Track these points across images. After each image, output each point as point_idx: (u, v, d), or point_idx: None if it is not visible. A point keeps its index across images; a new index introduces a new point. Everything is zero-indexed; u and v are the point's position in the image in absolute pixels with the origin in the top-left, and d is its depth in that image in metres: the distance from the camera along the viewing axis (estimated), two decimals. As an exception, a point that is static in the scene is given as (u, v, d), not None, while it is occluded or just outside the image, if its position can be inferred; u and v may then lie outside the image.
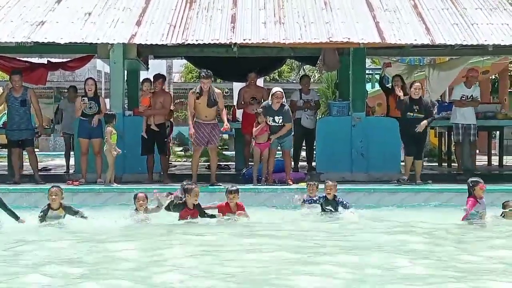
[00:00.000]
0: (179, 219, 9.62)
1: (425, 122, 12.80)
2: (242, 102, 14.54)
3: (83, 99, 12.90)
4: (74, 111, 14.13)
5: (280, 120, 12.66)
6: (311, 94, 15.13)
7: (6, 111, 13.76)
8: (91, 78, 13.67)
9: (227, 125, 12.70)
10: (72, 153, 14.59)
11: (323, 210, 10.52)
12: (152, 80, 13.65)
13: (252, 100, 14.18)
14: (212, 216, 9.76)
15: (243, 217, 9.80)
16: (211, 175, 12.70)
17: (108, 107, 13.32)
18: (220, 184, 12.40)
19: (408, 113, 12.83)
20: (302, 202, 10.71)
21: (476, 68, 17.27)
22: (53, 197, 9.69)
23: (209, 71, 12.72)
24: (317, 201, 10.60)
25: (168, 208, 9.65)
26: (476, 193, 9.63)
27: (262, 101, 13.70)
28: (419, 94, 12.92)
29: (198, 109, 12.55)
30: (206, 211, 9.80)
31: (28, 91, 13.28)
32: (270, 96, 12.86)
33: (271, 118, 12.67)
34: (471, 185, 9.70)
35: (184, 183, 9.77)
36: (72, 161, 14.36)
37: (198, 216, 9.70)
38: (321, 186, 11.02)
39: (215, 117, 12.80)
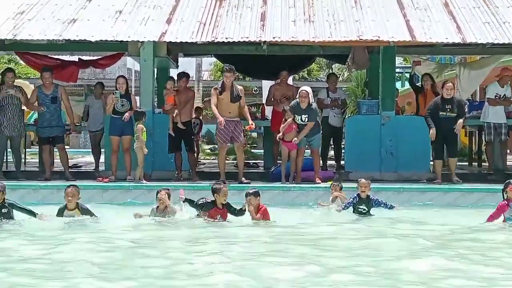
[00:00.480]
0: (206, 218, 9.56)
1: (461, 121, 12.76)
2: (272, 99, 14.51)
3: (115, 92, 12.94)
4: (100, 107, 14.26)
5: (306, 119, 12.65)
6: (338, 92, 15.08)
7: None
8: (122, 76, 13.71)
9: (252, 124, 12.74)
10: (102, 150, 14.66)
11: (355, 210, 10.32)
12: (176, 78, 13.70)
13: (283, 99, 14.13)
14: (242, 211, 9.62)
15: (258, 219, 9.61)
16: (238, 173, 12.72)
17: (138, 104, 13.38)
18: (249, 181, 12.44)
19: (441, 113, 12.75)
20: (342, 210, 10.41)
21: (509, 67, 17.07)
22: (69, 198, 9.53)
23: (231, 65, 12.78)
24: (351, 202, 10.37)
25: (197, 206, 9.70)
26: (509, 195, 9.25)
27: (293, 99, 13.69)
28: (451, 95, 12.84)
29: (222, 105, 12.57)
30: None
31: (59, 88, 13.40)
32: (298, 95, 12.87)
33: (299, 117, 12.66)
34: (503, 187, 9.37)
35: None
36: (101, 158, 14.43)
37: (228, 215, 9.65)
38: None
39: (238, 115, 12.83)
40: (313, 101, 13.01)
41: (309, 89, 13.01)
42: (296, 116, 12.65)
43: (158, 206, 9.71)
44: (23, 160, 14.66)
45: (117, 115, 12.89)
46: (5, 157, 13.74)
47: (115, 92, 12.94)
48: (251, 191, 9.68)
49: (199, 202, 9.70)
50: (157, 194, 9.76)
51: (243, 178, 12.54)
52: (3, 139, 13.25)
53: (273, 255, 7.30)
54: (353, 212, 10.28)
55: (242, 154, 12.97)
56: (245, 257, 7.17)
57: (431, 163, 13.56)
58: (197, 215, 9.73)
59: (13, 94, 13.22)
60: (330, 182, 12.19)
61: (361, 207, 10.25)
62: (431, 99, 14.16)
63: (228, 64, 12.93)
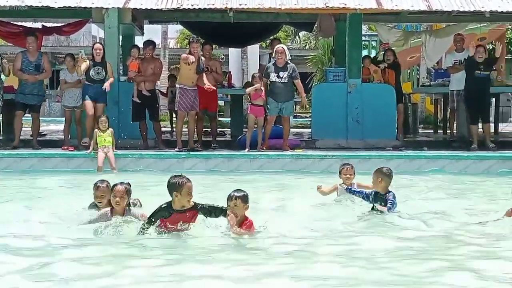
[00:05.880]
0: (159, 228, 6.28)
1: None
2: None
3: (80, 52, 12.72)
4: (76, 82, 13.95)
5: (285, 75, 12.62)
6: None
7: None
8: (99, 43, 13.50)
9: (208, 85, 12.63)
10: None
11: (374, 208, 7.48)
12: (141, 46, 13.55)
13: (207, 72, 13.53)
14: (222, 211, 6.32)
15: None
16: (189, 140, 12.68)
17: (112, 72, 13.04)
18: (200, 148, 12.51)
19: (476, 72, 13.02)
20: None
21: (472, 35, 17.22)
22: None
23: (197, 37, 12.82)
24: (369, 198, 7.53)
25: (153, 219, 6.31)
26: None
27: (216, 72, 13.64)
28: (483, 57, 13.10)
29: (187, 74, 12.52)
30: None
31: (43, 56, 13.28)
32: (274, 53, 12.95)
33: (276, 74, 12.64)
34: None
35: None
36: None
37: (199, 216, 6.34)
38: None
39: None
40: (290, 58, 12.98)
41: (285, 46, 13.05)
42: (272, 74, 12.63)
43: (112, 209, 6.66)
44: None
45: (92, 82, 12.67)
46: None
47: (80, 52, 12.73)
48: (238, 194, 6.31)
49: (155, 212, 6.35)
50: (112, 189, 6.70)
51: (196, 145, 12.65)
52: None
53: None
54: (372, 210, 7.42)
55: (194, 122, 12.83)
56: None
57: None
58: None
59: None
60: (300, 150, 12.21)
61: (377, 204, 7.41)
62: (392, 75, 14.26)
63: (194, 36, 12.88)
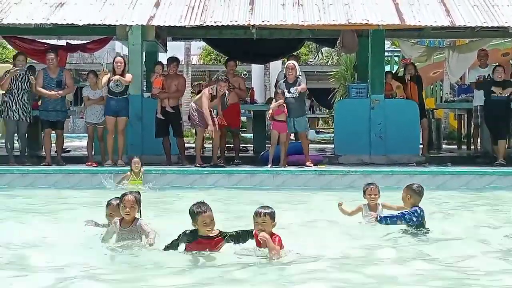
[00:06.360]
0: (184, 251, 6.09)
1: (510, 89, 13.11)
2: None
3: (103, 66, 12.86)
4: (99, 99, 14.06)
5: (294, 90, 12.67)
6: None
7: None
8: (120, 56, 13.63)
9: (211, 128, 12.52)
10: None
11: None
12: (164, 63, 13.66)
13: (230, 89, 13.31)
14: (247, 233, 6.04)
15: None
16: (212, 156, 12.78)
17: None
18: (223, 164, 12.51)
19: (493, 94, 13.00)
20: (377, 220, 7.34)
21: (496, 50, 17.13)
22: None
23: (227, 76, 13.05)
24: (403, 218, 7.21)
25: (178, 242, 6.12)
26: None
27: (239, 89, 13.65)
28: (502, 78, 13.08)
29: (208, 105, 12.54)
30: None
31: (64, 72, 13.42)
32: (285, 69, 13.08)
33: (287, 90, 12.70)
34: None
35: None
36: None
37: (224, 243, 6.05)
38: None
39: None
40: (301, 73, 13.02)
41: (295, 62, 13.11)
42: (285, 90, 12.70)
43: (121, 219, 6.43)
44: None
45: (112, 95, 12.81)
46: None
47: (102, 65, 12.87)
48: (267, 210, 6.05)
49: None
50: (121, 199, 6.44)
51: (219, 161, 12.70)
52: (12, 124, 13.15)
53: None
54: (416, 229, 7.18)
55: (217, 138, 12.84)
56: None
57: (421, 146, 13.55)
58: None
59: (23, 74, 13.03)
60: (323, 166, 12.15)
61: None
62: (414, 88, 14.23)
63: (225, 75, 13.06)
